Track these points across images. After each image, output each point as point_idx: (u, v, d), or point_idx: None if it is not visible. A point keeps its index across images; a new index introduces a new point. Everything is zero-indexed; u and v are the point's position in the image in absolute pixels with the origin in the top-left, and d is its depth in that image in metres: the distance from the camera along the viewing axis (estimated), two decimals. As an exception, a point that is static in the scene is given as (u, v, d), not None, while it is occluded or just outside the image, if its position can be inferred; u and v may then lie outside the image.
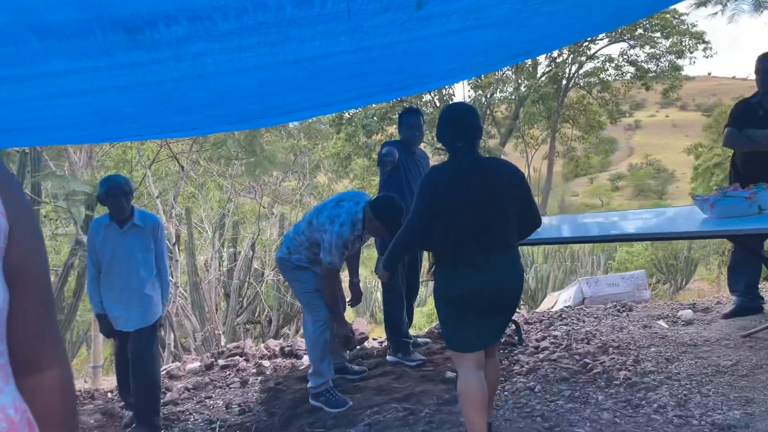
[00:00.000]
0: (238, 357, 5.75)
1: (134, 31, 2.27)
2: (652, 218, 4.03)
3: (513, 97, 19.44)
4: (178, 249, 10.06)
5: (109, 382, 7.65)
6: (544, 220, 4.69)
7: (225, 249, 11.47)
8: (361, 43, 2.82)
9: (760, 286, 4.64)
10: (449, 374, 3.90)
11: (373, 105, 17.11)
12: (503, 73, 18.75)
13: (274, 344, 6.00)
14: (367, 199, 3.66)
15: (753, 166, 4.13)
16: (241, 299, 11.09)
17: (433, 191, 2.61)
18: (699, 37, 18.56)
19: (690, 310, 4.88)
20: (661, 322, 4.69)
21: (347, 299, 4.29)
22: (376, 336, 6.14)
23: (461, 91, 63.61)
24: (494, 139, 20.37)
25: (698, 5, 10.91)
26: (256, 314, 11.70)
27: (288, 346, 5.82)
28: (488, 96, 19.06)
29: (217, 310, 10.90)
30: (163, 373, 5.36)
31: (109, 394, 5.16)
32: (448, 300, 2.69)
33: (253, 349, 6.06)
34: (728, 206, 3.10)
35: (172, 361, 7.49)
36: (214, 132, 7.51)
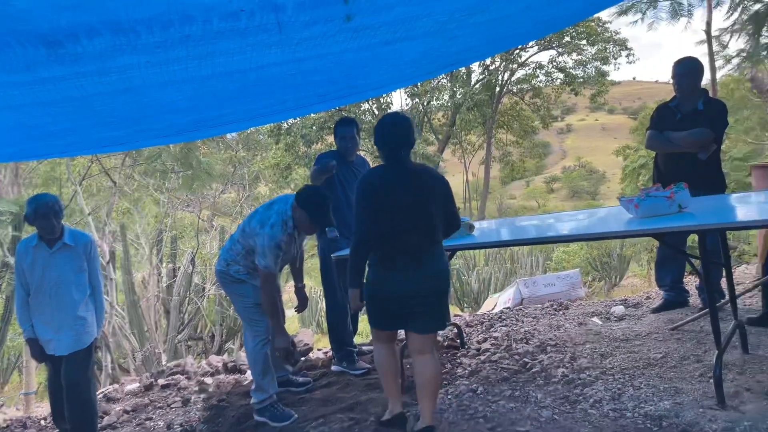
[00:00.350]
0: (179, 375, 5.60)
1: (55, 45, 2.20)
2: (585, 219, 4.17)
3: (449, 104, 19.77)
4: (113, 267, 9.73)
5: (42, 408, 7.30)
6: (484, 224, 4.83)
7: (164, 265, 11.17)
8: (293, 54, 2.82)
9: (684, 280, 4.89)
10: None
11: (312, 114, 17.06)
12: (438, 81, 19.05)
13: (216, 360, 5.88)
14: None
15: (673, 166, 4.35)
16: (181, 316, 10.82)
17: (370, 191, 2.86)
18: (622, 44, 19.41)
19: (622, 306, 5.08)
20: (596, 319, 4.86)
21: (294, 306, 4.27)
22: (323, 346, 6.11)
23: (398, 100, 64.19)
24: (432, 145, 20.64)
25: (620, 14, 11.39)
26: (198, 330, 11.43)
27: (231, 361, 5.71)
28: (425, 104, 19.32)
29: (157, 328, 10.59)
30: (100, 396, 5.16)
31: (43, 422, 4.93)
32: (377, 299, 2.98)
33: (194, 366, 5.91)
34: (651, 206, 3.25)
35: (110, 384, 7.23)
36: (147, 146, 7.32)
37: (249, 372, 5.03)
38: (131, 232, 11.62)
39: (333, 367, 4.48)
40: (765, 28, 9.91)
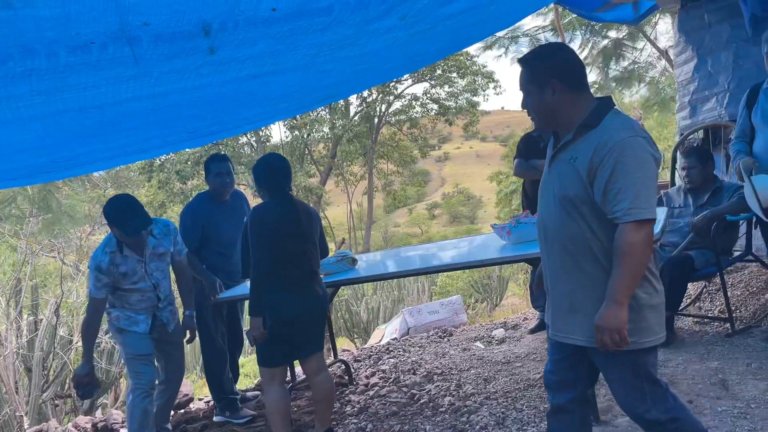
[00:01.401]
0: (40, 442, 5.04)
1: None
2: (464, 247, 4.26)
3: (329, 136, 19.87)
4: (-40, 325, 8.69)
5: None
6: (370, 255, 4.91)
7: (23, 318, 10.15)
8: (154, 89, 2.66)
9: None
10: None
11: (187, 150, 16.45)
12: (318, 114, 19.12)
13: (84, 421, 5.35)
14: None
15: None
16: (45, 373, 9.83)
17: (264, 226, 3.11)
18: (489, 77, 20.55)
19: (502, 329, 5.23)
20: (478, 344, 4.97)
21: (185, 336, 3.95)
22: (205, 395, 5.75)
23: (278, 132, 63.71)
24: (314, 177, 20.60)
25: (485, 48, 12.09)
26: (66, 387, 10.46)
27: (102, 420, 5.23)
28: (305, 136, 19.27)
29: (17, 388, 9.56)
30: (-57, 476, 4.53)
31: None
32: (280, 323, 3.11)
33: (59, 430, 5.36)
34: (522, 232, 3.38)
35: (-42, 459, 6.37)
36: (-3, 189, 6.66)
37: (124, 431, 4.62)
38: (-16, 284, 10.48)
39: (215, 418, 4.22)
40: (613, 62, 10.90)
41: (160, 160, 16.83)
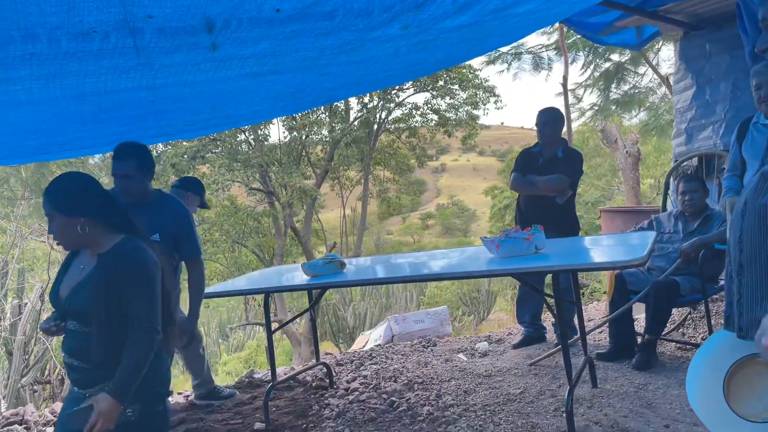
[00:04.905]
0: (16, 426, 5.01)
1: None
2: (454, 258, 4.27)
3: (328, 139, 19.81)
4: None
5: None
6: (360, 260, 4.89)
7: (8, 301, 10.09)
8: (154, 80, 2.67)
9: (543, 317, 5.14)
10: (258, 426, 3.75)
11: (184, 142, 16.40)
12: (317, 116, 19.10)
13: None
14: None
15: (533, 208, 4.62)
16: (26, 357, 9.78)
17: None
18: (490, 91, 20.52)
19: (486, 342, 5.24)
20: (461, 355, 4.97)
21: None
22: (187, 389, 5.72)
23: (276, 131, 63.42)
24: (310, 180, 20.53)
25: (488, 63, 12.11)
26: (46, 373, 10.40)
27: (78, 408, 5.20)
28: (303, 138, 19.23)
29: (-5, 371, 9.52)
30: None
31: None
32: None
33: (35, 415, 5.32)
34: (511, 247, 3.39)
35: (-69, 439, 6.31)
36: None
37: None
38: (-30, 264, 10.44)
39: None
40: (614, 85, 10.96)
41: (156, 152, 16.76)
